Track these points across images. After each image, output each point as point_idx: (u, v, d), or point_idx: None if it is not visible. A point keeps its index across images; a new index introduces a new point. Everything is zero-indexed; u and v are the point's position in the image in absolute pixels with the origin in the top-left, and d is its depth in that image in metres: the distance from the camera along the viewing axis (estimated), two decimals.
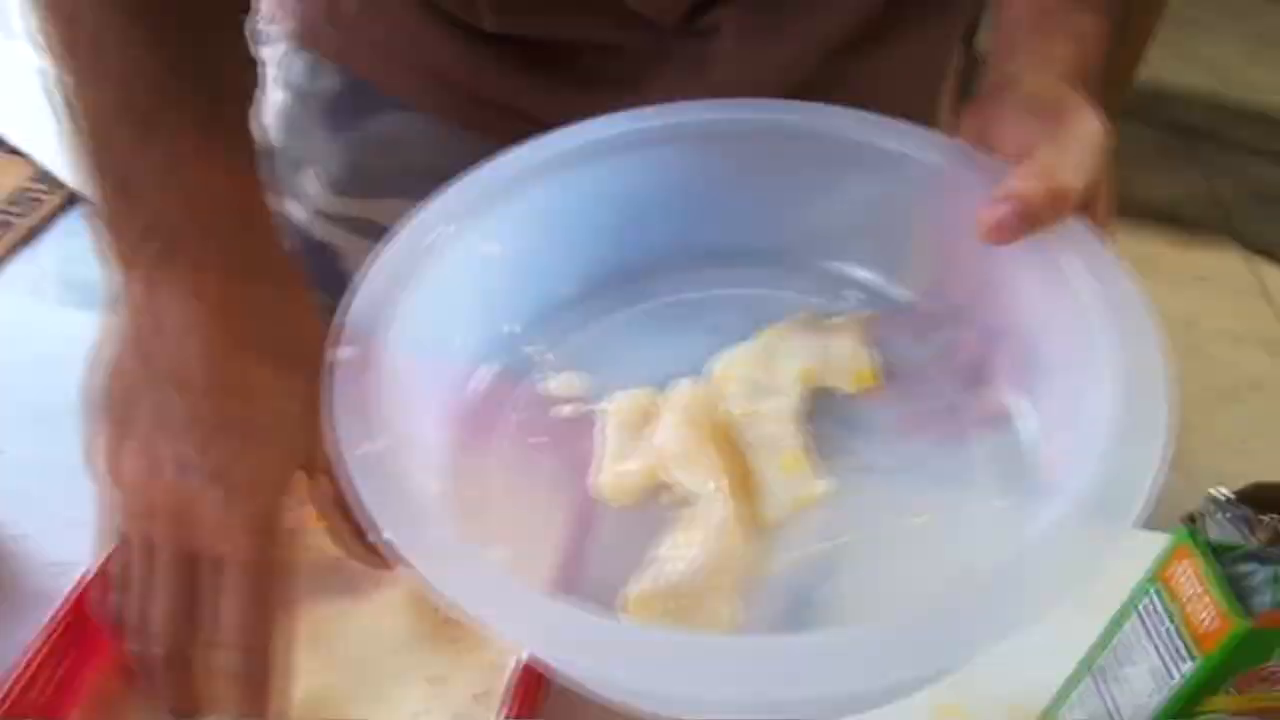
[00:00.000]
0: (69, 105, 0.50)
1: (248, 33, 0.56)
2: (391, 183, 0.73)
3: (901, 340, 0.56)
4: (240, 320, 0.48)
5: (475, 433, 0.51)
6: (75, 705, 0.51)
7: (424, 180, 0.72)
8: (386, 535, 0.39)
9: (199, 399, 0.47)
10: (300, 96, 0.73)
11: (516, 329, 0.55)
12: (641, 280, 0.58)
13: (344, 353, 0.45)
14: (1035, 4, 0.57)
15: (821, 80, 0.66)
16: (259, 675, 0.46)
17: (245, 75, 0.58)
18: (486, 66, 0.66)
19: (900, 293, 0.58)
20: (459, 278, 0.51)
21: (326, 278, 0.56)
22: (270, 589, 0.46)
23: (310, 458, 0.49)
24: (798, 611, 0.46)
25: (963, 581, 0.47)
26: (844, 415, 0.54)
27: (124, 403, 0.48)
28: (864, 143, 0.56)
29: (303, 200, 0.74)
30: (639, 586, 0.45)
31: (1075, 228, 0.49)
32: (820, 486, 0.50)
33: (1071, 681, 0.47)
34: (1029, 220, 0.48)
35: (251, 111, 0.54)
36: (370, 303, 0.47)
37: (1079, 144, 0.49)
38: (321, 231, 0.75)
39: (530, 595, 0.38)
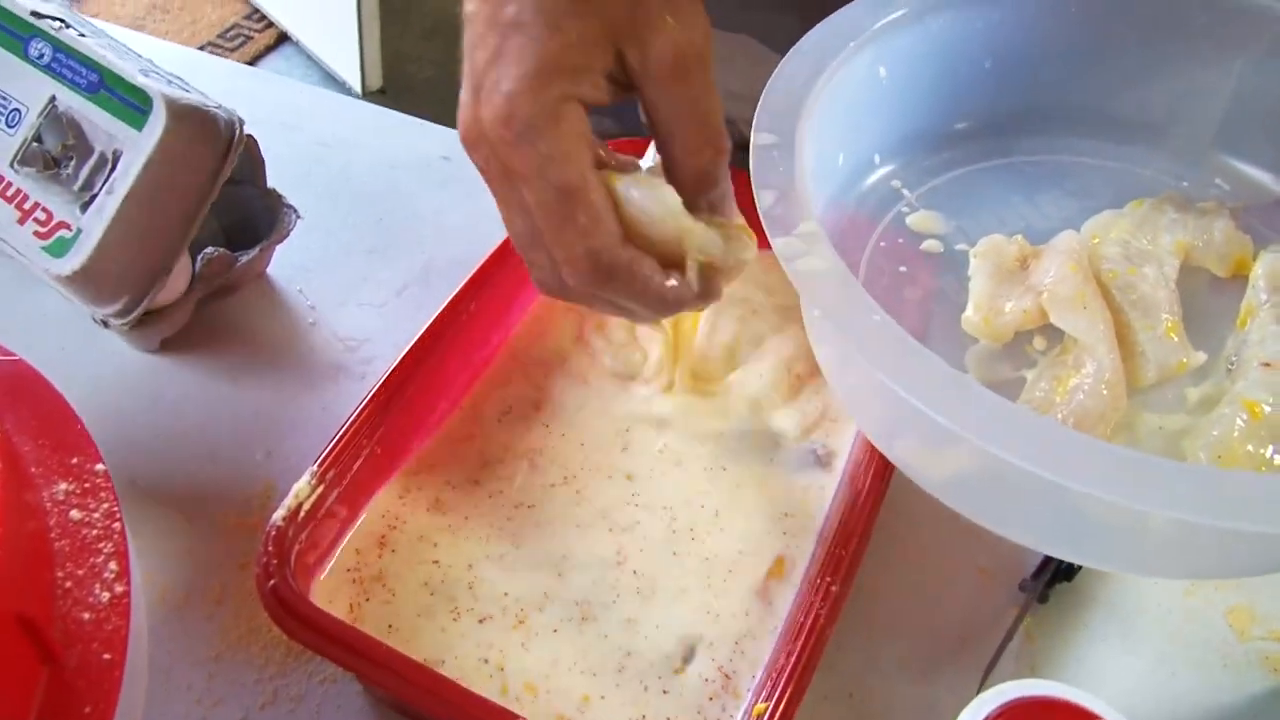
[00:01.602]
0: None
1: None
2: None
3: (1267, 235, 0.54)
4: None
5: (847, 249, 0.51)
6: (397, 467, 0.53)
7: (732, 6, 0.71)
8: (816, 313, 0.39)
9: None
10: None
11: (881, 160, 0.55)
12: (1002, 135, 0.57)
13: (764, 138, 0.45)
14: None
15: None
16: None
17: None
18: None
19: (1272, 185, 0.56)
20: (849, 96, 0.51)
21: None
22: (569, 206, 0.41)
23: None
24: None
25: None
26: (1207, 298, 0.52)
27: (470, 59, 0.43)
28: (1261, 15, 0.53)
29: None
30: None
31: None
32: (1198, 358, 0.48)
33: None
34: None
35: None
36: (784, 97, 0.47)
37: None
38: None
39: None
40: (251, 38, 2.35)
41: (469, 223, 0.70)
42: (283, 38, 2.36)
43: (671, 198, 0.41)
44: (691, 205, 0.42)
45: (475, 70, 0.41)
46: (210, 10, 2.41)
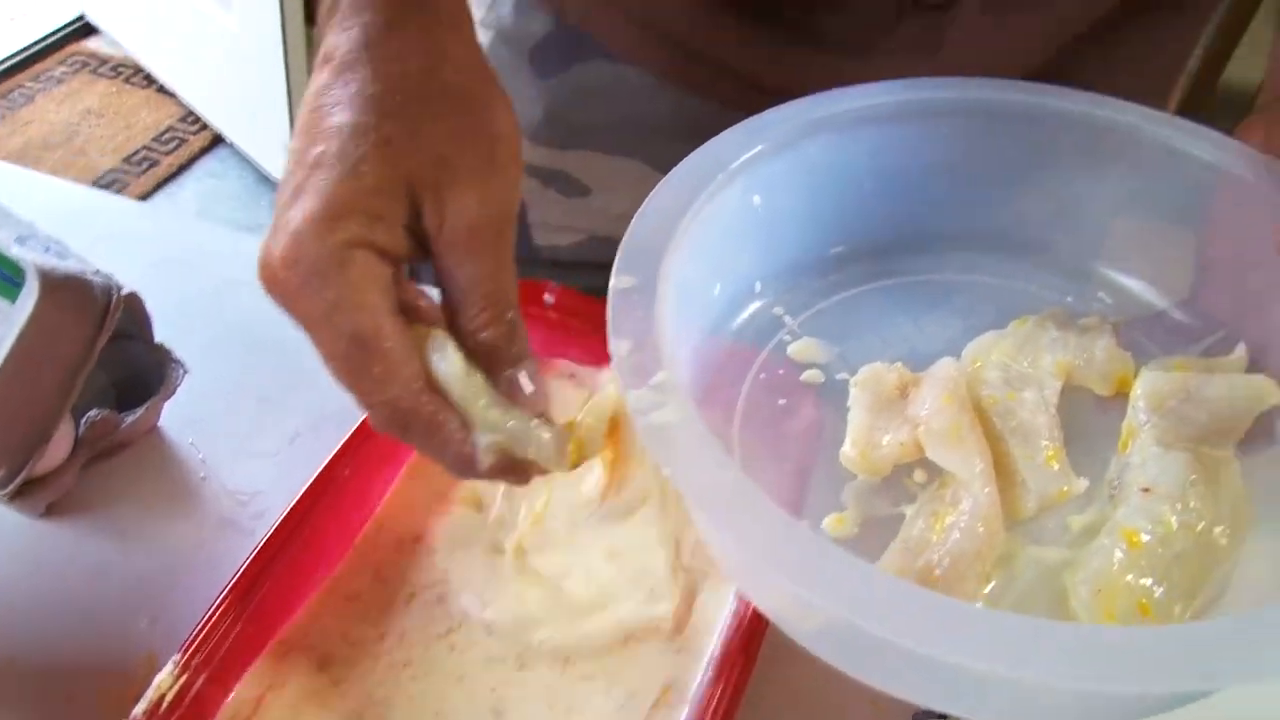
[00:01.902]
0: None
1: None
2: (588, 134, 0.72)
3: (1149, 349, 0.54)
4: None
5: (725, 385, 0.50)
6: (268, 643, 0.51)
7: (621, 134, 0.71)
8: (667, 471, 0.38)
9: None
10: (505, 38, 0.71)
11: (762, 288, 0.54)
12: (886, 257, 0.57)
13: (623, 281, 0.44)
14: None
15: (1053, 68, 0.63)
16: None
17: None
18: (710, 21, 0.65)
19: (1153, 298, 0.56)
20: (724, 226, 0.50)
21: None
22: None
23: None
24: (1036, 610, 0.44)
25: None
26: (1090, 418, 0.52)
27: (278, 196, 0.42)
28: (1129, 133, 0.53)
29: None
30: (891, 563, 0.44)
31: None
32: (1080, 485, 0.47)
33: None
34: None
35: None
36: (648, 234, 0.46)
37: None
38: None
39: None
40: (186, 140, 2.35)
41: None
42: (217, 139, 2.36)
43: (454, 361, 0.40)
44: (492, 382, 0.41)
45: (278, 207, 0.40)
46: (145, 114, 2.41)
